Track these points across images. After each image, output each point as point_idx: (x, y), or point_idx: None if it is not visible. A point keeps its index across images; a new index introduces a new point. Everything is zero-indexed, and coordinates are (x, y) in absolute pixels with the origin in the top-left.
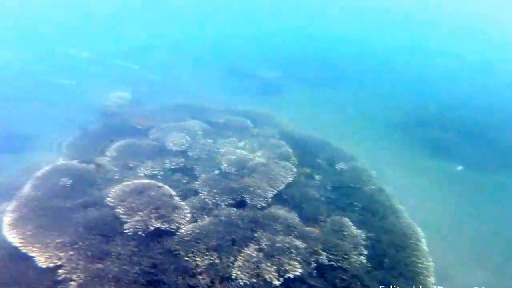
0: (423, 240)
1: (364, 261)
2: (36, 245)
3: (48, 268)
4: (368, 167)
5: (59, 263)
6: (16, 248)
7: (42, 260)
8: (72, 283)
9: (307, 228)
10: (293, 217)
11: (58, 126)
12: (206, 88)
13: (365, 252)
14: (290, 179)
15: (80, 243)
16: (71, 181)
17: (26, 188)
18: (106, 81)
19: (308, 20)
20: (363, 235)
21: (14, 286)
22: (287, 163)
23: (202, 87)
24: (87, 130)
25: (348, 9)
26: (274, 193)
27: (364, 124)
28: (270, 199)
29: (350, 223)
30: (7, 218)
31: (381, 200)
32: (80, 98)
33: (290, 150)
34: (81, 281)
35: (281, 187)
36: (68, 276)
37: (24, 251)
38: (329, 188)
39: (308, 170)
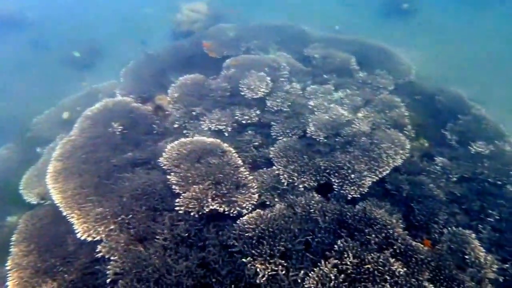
0: None
1: None
2: (75, 211)
3: (87, 241)
4: None
5: (98, 238)
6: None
7: (80, 231)
8: (110, 266)
9: (414, 243)
10: (396, 223)
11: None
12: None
13: None
14: (400, 160)
15: (123, 216)
16: (121, 127)
17: (74, 131)
18: None
19: None
20: (494, 265)
21: (48, 253)
22: (400, 135)
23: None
24: (149, 56)
25: None
26: (374, 180)
27: None
28: (366, 189)
29: (476, 242)
30: (51, 166)
31: None
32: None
33: (407, 113)
34: (117, 269)
35: (385, 172)
36: (107, 255)
37: (64, 213)
38: (455, 179)
39: (427, 145)
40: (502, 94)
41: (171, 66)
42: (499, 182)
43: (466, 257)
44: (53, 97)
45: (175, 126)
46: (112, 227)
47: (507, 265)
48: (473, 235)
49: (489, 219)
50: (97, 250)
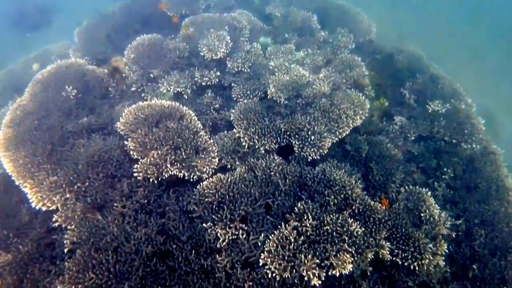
0: None
1: (442, 263)
2: (28, 180)
3: (42, 210)
4: (474, 113)
5: (53, 207)
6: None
7: (34, 200)
8: (67, 236)
9: (372, 203)
10: (355, 183)
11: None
12: None
13: (446, 248)
14: (360, 121)
15: (79, 184)
16: (75, 91)
17: (25, 96)
18: None
19: None
20: (447, 222)
21: (0, 225)
22: (360, 95)
23: None
24: (104, 15)
25: None
26: (334, 141)
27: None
28: (326, 150)
29: (432, 200)
30: (1, 133)
31: (485, 169)
32: None
33: (367, 73)
34: (74, 238)
35: (344, 133)
36: (63, 225)
37: (17, 183)
38: (412, 138)
39: (387, 104)
40: (457, 52)
41: (128, 26)
42: (454, 141)
43: (422, 215)
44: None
45: (133, 89)
46: (67, 196)
47: (459, 221)
48: (429, 193)
49: (444, 177)
50: (53, 220)
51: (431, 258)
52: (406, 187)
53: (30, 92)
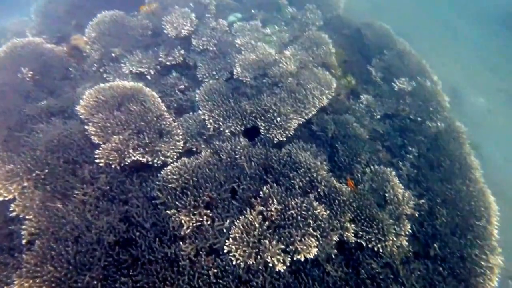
0: (496, 223)
1: (405, 243)
2: None
3: None
4: (440, 90)
5: (10, 197)
6: None
7: None
8: (25, 226)
9: (337, 185)
10: (320, 165)
11: None
12: None
13: (409, 228)
14: (326, 101)
15: (38, 172)
16: (32, 72)
17: None
18: None
19: None
20: (411, 201)
21: None
22: (326, 74)
23: None
24: None
25: None
26: (300, 122)
27: (461, 15)
28: (292, 132)
29: (396, 180)
30: None
31: (449, 147)
32: None
33: (334, 51)
34: (32, 229)
35: (311, 114)
36: (21, 215)
37: None
38: (378, 117)
39: (354, 82)
40: (426, 27)
41: (87, 1)
42: (419, 119)
43: (386, 195)
44: None
45: (94, 69)
46: (25, 184)
47: (422, 201)
48: (393, 173)
49: (408, 156)
50: (10, 210)
51: (395, 239)
52: (372, 167)
53: None
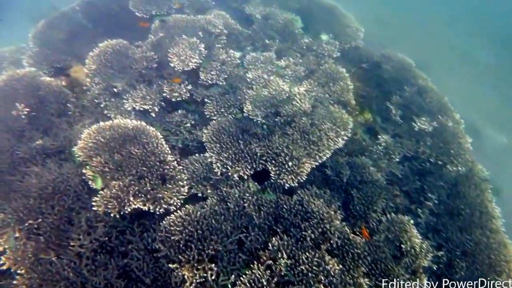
0: None
1: None
2: None
3: None
4: (462, 130)
5: (0, 249)
6: None
7: None
8: (16, 282)
9: (351, 236)
10: (333, 215)
11: None
12: None
13: (426, 283)
14: (342, 142)
15: (31, 221)
16: (27, 109)
17: None
18: None
19: None
20: (429, 253)
21: None
22: (343, 113)
23: None
24: (63, 13)
25: None
26: (314, 166)
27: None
28: (305, 177)
29: (414, 230)
30: None
31: (469, 194)
32: None
33: (351, 86)
34: (24, 286)
35: (325, 157)
36: (12, 268)
37: None
38: (397, 159)
39: (372, 119)
40: (447, 54)
41: (89, 28)
42: (440, 162)
43: (403, 246)
44: None
45: (94, 105)
46: (17, 235)
47: (441, 253)
48: (411, 222)
49: (427, 202)
50: (0, 263)
51: None
52: (388, 215)
53: None
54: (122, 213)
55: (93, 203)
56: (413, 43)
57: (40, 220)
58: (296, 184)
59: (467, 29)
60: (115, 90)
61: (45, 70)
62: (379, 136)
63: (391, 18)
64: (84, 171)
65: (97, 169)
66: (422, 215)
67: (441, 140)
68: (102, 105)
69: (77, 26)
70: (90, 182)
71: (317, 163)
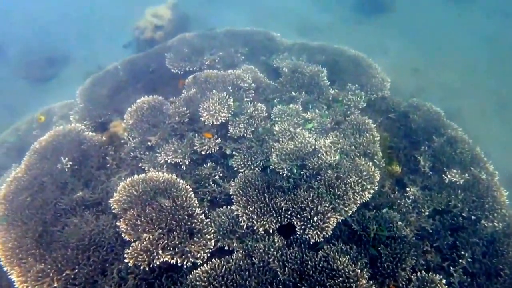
0: None
1: None
2: (15, 268)
3: None
4: (497, 183)
5: None
6: None
7: None
8: None
9: None
10: (360, 273)
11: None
12: None
13: None
14: (368, 196)
15: (68, 272)
16: (71, 162)
17: (21, 167)
18: None
19: None
20: None
21: None
22: (369, 165)
23: None
24: (107, 72)
25: None
26: (339, 220)
27: None
28: (330, 231)
29: None
30: None
31: (508, 253)
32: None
33: (378, 138)
34: None
35: (351, 211)
36: None
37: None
38: (426, 213)
39: (399, 171)
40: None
41: (129, 85)
42: (474, 217)
43: None
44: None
45: (130, 158)
46: (55, 284)
47: None
48: (443, 281)
49: (461, 260)
50: None
51: None
52: (418, 274)
53: (26, 163)
54: (151, 265)
55: (125, 255)
56: (442, 92)
57: (76, 270)
58: (322, 240)
59: (504, 71)
60: (149, 144)
61: (88, 125)
62: (408, 189)
63: (423, 65)
64: (118, 223)
65: (130, 222)
66: (455, 274)
67: (474, 193)
68: (137, 158)
69: (118, 82)
70: (123, 235)
71: (342, 218)
